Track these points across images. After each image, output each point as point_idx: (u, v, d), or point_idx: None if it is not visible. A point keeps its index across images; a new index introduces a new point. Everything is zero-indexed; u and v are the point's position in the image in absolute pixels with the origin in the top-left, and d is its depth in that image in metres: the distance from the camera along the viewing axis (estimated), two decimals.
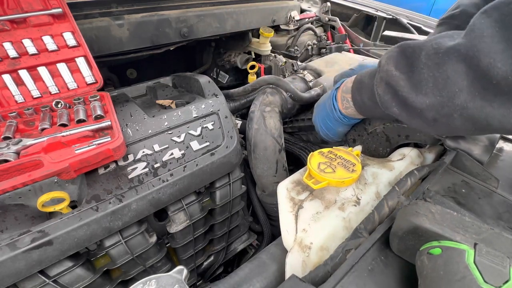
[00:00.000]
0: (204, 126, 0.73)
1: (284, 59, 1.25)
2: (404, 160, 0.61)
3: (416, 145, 0.68)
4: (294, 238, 0.48)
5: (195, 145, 0.70)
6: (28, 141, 0.56)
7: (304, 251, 0.46)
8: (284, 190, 0.55)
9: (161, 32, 0.97)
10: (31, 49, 0.66)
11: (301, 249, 0.46)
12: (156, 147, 0.65)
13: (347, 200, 0.51)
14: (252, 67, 1.37)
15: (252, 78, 1.41)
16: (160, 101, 0.83)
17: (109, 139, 0.57)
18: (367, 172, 0.58)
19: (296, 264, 0.46)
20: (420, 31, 1.42)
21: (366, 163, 0.61)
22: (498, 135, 0.58)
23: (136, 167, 0.61)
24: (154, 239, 0.67)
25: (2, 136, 0.57)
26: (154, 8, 0.97)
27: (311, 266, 0.45)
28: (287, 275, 0.47)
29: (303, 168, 0.60)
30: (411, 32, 1.42)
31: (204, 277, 0.91)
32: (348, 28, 1.67)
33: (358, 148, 0.62)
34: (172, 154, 0.66)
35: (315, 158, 0.57)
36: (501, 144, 0.64)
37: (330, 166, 0.54)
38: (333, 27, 1.61)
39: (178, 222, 0.71)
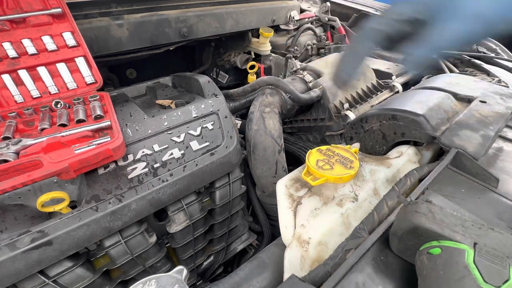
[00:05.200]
0: (204, 126, 0.73)
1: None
2: (402, 158, 0.62)
3: (415, 144, 0.68)
4: (292, 233, 0.48)
5: (194, 145, 0.69)
6: (27, 141, 0.55)
7: (302, 246, 0.46)
8: (283, 187, 0.55)
9: (160, 32, 0.97)
10: (31, 49, 0.66)
11: (299, 244, 0.46)
12: (156, 147, 0.65)
13: (345, 196, 0.52)
14: (252, 67, 1.37)
15: (252, 78, 1.41)
16: (159, 101, 0.83)
17: (109, 139, 0.57)
18: (365, 169, 0.58)
19: (294, 259, 0.47)
20: None
21: (364, 160, 0.61)
22: (492, 133, 0.58)
23: (136, 167, 0.61)
24: (154, 239, 0.67)
25: (1, 136, 0.57)
26: (154, 8, 0.97)
27: (310, 261, 0.46)
28: (286, 270, 0.48)
29: (302, 166, 0.60)
30: None
31: (204, 277, 0.91)
32: (348, 28, 1.67)
33: (356, 146, 0.62)
34: (171, 154, 0.66)
35: (313, 156, 0.57)
36: (501, 144, 0.64)
37: (328, 163, 0.54)
38: (332, 27, 1.61)
39: (178, 222, 0.71)
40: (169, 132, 0.68)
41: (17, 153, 0.53)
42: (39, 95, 0.68)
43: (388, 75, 1.17)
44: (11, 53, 0.64)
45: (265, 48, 1.38)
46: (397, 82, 1.08)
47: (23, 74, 0.66)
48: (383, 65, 1.25)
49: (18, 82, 0.66)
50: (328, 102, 0.93)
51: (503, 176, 0.50)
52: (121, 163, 0.61)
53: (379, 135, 0.69)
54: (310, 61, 1.30)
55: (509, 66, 1.09)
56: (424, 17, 0.39)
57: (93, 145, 0.56)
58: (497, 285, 0.29)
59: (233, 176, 0.79)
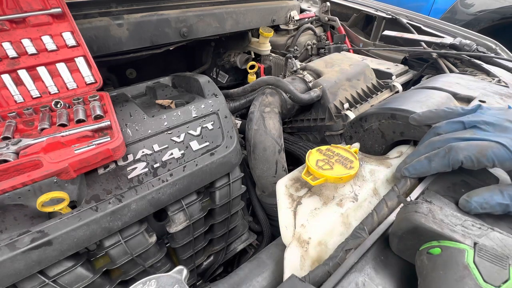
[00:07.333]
0: (204, 126, 0.73)
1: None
2: (402, 158, 0.62)
3: (415, 143, 0.68)
4: (292, 233, 0.48)
5: (194, 145, 0.69)
6: (27, 141, 0.55)
7: (302, 246, 0.46)
8: (283, 187, 0.55)
9: (160, 32, 0.97)
10: (30, 49, 0.66)
11: (299, 244, 0.47)
12: (156, 147, 0.65)
13: (345, 196, 0.52)
14: (252, 67, 1.37)
15: (251, 78, 1.41)
16: (159, 101, 0.83)
17: (109, 139, 0.57)
18: (364, 169, 0.58)
19: (294, 259, 0.47)
20: (420, 31, 1.42)
21: (363, 160, 0.61)
22: None
23: (136, 167, 0.61)
24: (154, 239, 0.67)
25: (1, 136, 0.57)
26: (154, 8, 0.97)
27: (310, 261, 0.46)
28: (286, 269, 0.48)
29: (302, 166, 0.60)
30: (411, 32, 1.42)
31: (204, 277, 0.91)
32: (348, 28, 1.67)
33: (356, 146, 0.62)
34: (171, 154, 0.66)
35: (313, 155, 0.57)
36: None
37: (328, 163, 0.55)
38: (332, 27, 1.61)
39: (177, 222, 0.71)
40: (169, 132, 0.68)
41: (17, 153, 0.53)
42: (39, 95, 0.68)
43: (388, 75, 1.17)
44: (11, 53, 0.64)
45: (265, 48, 1.38)
46: (397, 82, 1.08)
47: (23, 74, 0.66)
48: (383, 65, 1.25)
49: (18, 82, 0.66)
50: (328, 102, 0.93)
51: (503, 176, 0.50)
52: (121, 163, 0.61)
53: (378, 134, 0.69)
54: (310, 61, 1.30)
55: (509, 66, 1.09)
56: None
57: (93, 145, 0.56)
58: (497, 285, 0.29)
59: (233, 176, 0.79)
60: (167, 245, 0.76)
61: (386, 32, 1.44)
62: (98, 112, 0.64)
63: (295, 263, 0.46)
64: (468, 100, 0.71)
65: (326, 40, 1.57)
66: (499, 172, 0.51)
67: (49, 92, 0.69)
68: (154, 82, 0.93)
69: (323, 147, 0.60)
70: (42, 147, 0.53)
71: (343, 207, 0.50)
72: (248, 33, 1.38)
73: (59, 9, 0.67)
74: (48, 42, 0.67)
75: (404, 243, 0.39)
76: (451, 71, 1.13)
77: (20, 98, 0.66)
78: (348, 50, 1.47)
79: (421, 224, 0.36)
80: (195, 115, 0.73)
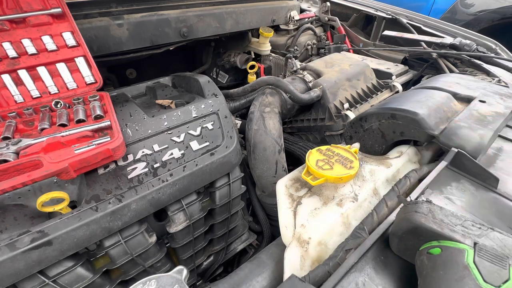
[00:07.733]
0: (204, 126, 0.73)
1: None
2: (402, 158, 0.62)
3: (415, 143, 0.68)
4: (292, 233, 0.48)
5: (194, 145, 0.69)
6: (27, 141, 0.55)
7: (302, 246, 0.46)
8: (283, 187, 0.55)
9: (160, 32, 0.97)
10: (31, 49, 0.66)
11: (299, 244, 0.47)
12: (156, 147, 0.65)
13: (345, 196, 0.52)
14: (252, 67, 1.37)
15: (251, 78, 1.41)
16: (159, 101, 0.83)
17: (109, 139, 0.57)
18: (364, 169, 0.58)
19: (294, 259, 0.47)
20: (420, 31, 1.42)
21: (363, 160, 0.61)
22: (491, 132, 0.58)
23: (136, 167, 0.61)
24: (154, 239, 0.67)
25: (1, 136, 0.57)
26: (154, 8, 0.97)
27: (310, 261, 0.46)
28: (286, 269, 0.48)
29: (302, 166, 0.60)
30: (411, 32, 1.42)
31: (204, 277, 0.91)
32: (348, 28, 1.67)
33: (356, 146, 0.62)
34: (171, 154, 0.66)
35: (313, 156, 0.57)
36: (500, 143, 0.64)
37: (328, 163, 0.55)
38: (332, 27, 1.61)
39: (177, 222, 0.71)
40: (169, 132, 0.68)
41: (17, 153, 0.53)
42: (39, 95, 0.68)
43: (388, 75, 1.17)
44: (11, 53, 0.64)
45: (265, 48, 1.38)
46: (397, 82, 1.08)
47: (23, 74, 0.66)
48: (383, 65, 1.25)
49: (18, 82, 0.66)
50: (328, 102, 0.93)
51: (503, 176, 0.50)
52: (121, 163, 0.61)
53: (378, 134, 0.69)
54: (310, 61, 1.30)
55: (509, 66, 1.09)
56: None
57: (93, 145, 0.56)
58: (497, 285, 0.29)
59: (233, 176, 0.79)
60: (167, 245, 0.76)
61: (386, 32, 1.44)
62: (98, 112, 0.64)
63: (295, 263, 0.46)
64: (468, 100, 0.71)
65: (326, 40, 1.57)
66: (499, 172, 0.51)
67: (49, 92, 0.69)
68: (154, 82, 0.93)
69: (323, 147, 0.60)
70: (42, 147, 0.53)
71: (343, 207, 0.50)
72: (248, 33, 1.38)
73: (59, 9, 0.67)
74: (48, 42, 0.67)
75: (404, 243, 0.39)
76: (451, 71, 1.13)
77: (20, 98, 0.66)
78: (348, 50, 1.47)
79: (421, 224, 0.36)
80: (195, 115, 0.73)
